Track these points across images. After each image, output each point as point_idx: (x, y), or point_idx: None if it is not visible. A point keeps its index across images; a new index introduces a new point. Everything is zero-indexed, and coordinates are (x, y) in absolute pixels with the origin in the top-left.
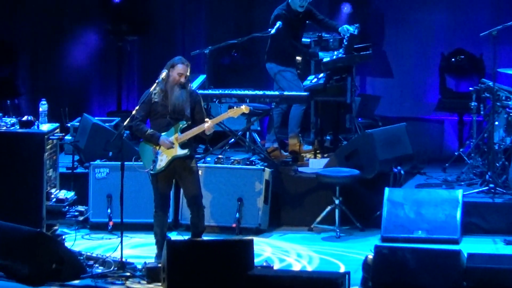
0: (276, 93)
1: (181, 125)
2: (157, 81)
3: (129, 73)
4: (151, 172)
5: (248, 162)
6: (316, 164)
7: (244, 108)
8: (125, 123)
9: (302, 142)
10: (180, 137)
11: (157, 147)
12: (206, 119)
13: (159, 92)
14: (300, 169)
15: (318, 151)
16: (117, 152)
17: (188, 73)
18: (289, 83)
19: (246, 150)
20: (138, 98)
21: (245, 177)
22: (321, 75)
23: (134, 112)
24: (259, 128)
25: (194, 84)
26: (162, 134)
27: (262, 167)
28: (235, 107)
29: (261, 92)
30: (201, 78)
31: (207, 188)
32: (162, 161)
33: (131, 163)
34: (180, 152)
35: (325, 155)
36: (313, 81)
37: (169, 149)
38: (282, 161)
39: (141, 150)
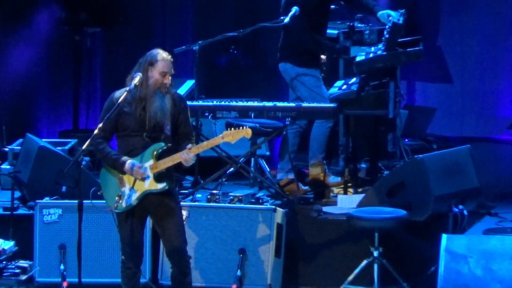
0: (292, 105)
1: (158, 149)
2: (127, 88)
3: (90, 78)
4: (115, 211)
5: (253, 200)
6: (347, 202)
7: (245, 132)
8: (84, 146)
9: (327, 172)
10: (158, 165)
11: (124, 177)
12: (189, 146)
13: (132, 102)
14: (325, 209)
15: (349, 184)
16: (73, 187)
17: (172, 71)
18: (310, 91)
19: (251, 183)
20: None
21: (249, 221)
22: (353, 80)
23: (96, 130)
24: (268, 153)
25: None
26: (131, 159)
27: (273, 207)
28: (233, 129)
29: (271, 104)
30: (188, 84)
31: (197, 235)
32: (131, 196)
33: (94, 201)
34: (156, 186)
35: (360, 190)
36: (343, 88)
37: (140, 181)
38: (300, 197)
39: (102, 179)
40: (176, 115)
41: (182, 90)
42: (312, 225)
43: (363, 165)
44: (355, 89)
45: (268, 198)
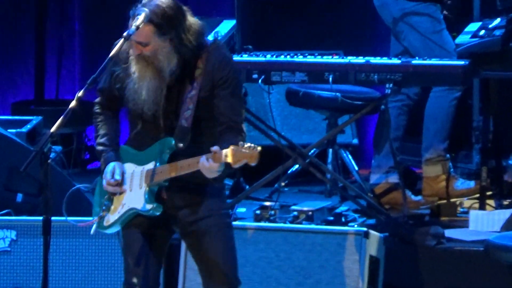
0: (396, 61)
1: (166, 149)
2: (110, 55)
3: (63, 24)
4: (94, 227)
5: (331, 218)
6: (484, 221)
7: (249, 155)
8: (54, 127)
9: (453, 173)
10: (156, 174)
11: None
12: (214, 148)
13: (125, 78)
14: (448, 232)
15: (489, 193)
16: (34, 194)
17: (146, 39)
18: (425, 40)
19: (327, 191)
20: (81, 73)
21: (325, 252)
22: (497, 21)
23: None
24: (355, 141)
25: None
26: (115, 161)
27: (363, 229)
28: (244, 146)
29: (360, 60)
30: (225, 27)
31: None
32: (116, 211)
33: (72, 218)
34: (144, 204)
35: (506, 202)
36: (480, 34)
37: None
38: (408, 215)
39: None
40: (207, 91)
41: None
42: (429, 258)
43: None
44: (500, 36)
45: (356, 215)
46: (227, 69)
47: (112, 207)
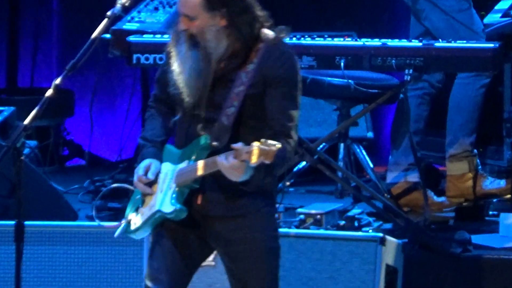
0: (416, 44)
1: (200, 148)
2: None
3: (40, 5)
4: (118, 231)
5: (342, 222)
6: None
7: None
8: (28, 119)
9: (481, 170)
10: (185, 174)
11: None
12: (237, 145)
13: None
14: (476, 238)
15: None
16: (7, 194)
17: (193, 12)
18: (449, 20)
19: (338, 191)
20: (59, 58)
21: (336, 260)
22: None
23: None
24: (371, 135)
25: None
26: (152, 158)
27: (379, 235)
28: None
29: (376, 43)
30: None
31: None
32: (143, 213)
33: (54, 223)
34: (167, 207)
35: None
36: None
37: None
38: (430, 218)
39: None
40: (257, 89)
41: None
42: (454, 268)
43: None
44: None
45: (371, 219)
46: (285, 67)
47: (140, 209)
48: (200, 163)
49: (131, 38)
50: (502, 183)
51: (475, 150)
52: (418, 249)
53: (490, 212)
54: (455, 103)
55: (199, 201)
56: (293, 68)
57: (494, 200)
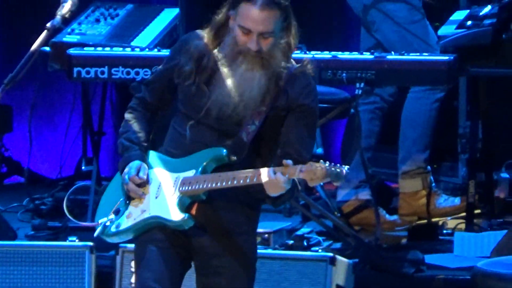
0: (368, 57)
1: (214, 158)
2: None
3: None
4: (96, 233)
5: (290, 242)
6: (471, 245)
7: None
8: None
9: (435, 188)
10: (193, 183)
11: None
12: (288, 162)
13: (202, 64)
14: (429, 258)
15: (477, 211)
16: None
17: (272, 26)
18: (401, 32)
19: (287, 210)
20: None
21: (283, 279)
22: (487, 9)
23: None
24: (320, 151)
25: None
26: (142, 164)
27: (329, 255)
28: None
29: (326, 56)
30: (167, 16)
31: None
32: (131, 217)
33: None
34: (175, 215)
35: (498, 221)
36: (467, 25)
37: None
38: (382, 237)
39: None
40: (279, 112)
41: (157, 26)
42: None
43: (505, 175)
44: (491, 26)
45: (321, 238)
46: (310, 99)
47: (127, 212)
48: (225, 175)
49: (72, 51)
50: (457, 201)
51: (429, 167)
52: (370, 269)
53: (444, 231)
54: (408, 117)
55: (194, 211)
56: (317, 99)
57: (448, 218)
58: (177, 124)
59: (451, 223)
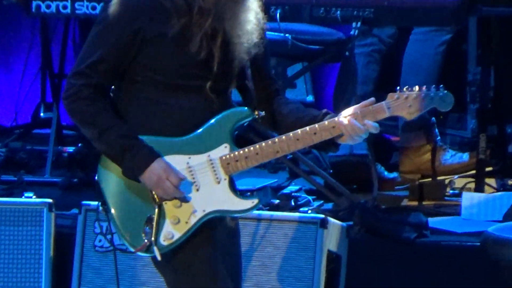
0: None
1: (238, 119)
2: None
3: None
4: (145, 253)
5: (276, 201)
6: (482, 207)
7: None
8: None
9: (439, 142)
10: (241, 160)
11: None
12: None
13: (182, 14)
14: (433, 222)
15: (488, 169)
16: None
17: None
18: None
19: (271, 165)
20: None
21: (268, 244)
22: None
23: (76, 68)
24: (310, 98)
25: None
26: (159, 155)
27: (320, 216)
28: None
29: None
30: None
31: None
32: (181, 223)
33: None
34: (239, 203)
35: (511, 182)
36: None
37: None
38: (380, 197)
39: (109, 189)
40: (261, 50)
41: None
42: (407, 256)
43: None
44: None
45: (310, 198)
46: None
47: (168, 221)
48: (302, 133)
49: None
50: (465, 157)
51: (433, 118)
52: (365, 234)
53: (451, 191)
54: (410, 62)
55: None
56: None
57: (455, 176)
58: (155, 95)
59: (458, 182)
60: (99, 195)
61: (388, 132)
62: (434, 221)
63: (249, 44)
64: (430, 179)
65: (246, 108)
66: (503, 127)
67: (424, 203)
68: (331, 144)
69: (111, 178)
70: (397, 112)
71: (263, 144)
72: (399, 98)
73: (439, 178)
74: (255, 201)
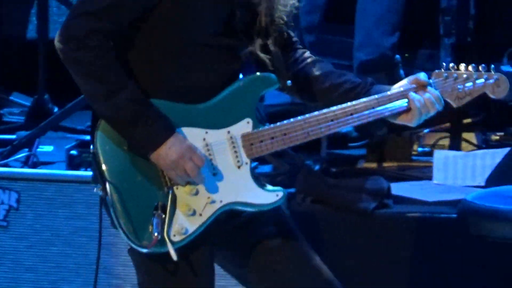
0: None
1: (262, 92)
2: None
3: None
4: (150, 250)
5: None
6: (459, 169)
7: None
8: None
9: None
10: (267, 141)
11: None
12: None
13: None
14: (396, 187)
15: (467, 120)
16: None
17: None
18: None
19: None
20: None
21: None
22: None
23: (84, 15)
24: None
25: None
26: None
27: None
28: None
29: None
30: None
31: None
32: (194, 213)
33: None
34: (267, 194)
35: (495, 138)
36: None
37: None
38: (331, 158)
39: (107, 158)
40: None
41: None
42: (364, 231)
43: (507, 68)
44: None
45: None
46: None
47: (180, 212)
48: (354, 105)
49: None
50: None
51: (398, 56)
52: (311, 204)
53: (420, 149)
54: (363, 8)
55: None
56: None
57: (425, 130)
58: (170, 52)
59: (429, 137)
60: (96, 171)
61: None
62: (398, 187)
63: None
64: (393, 134)
65: (272, 74)
66: (487, 67)
67: (385, 164)
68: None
69: (114, 151)
70: (444, 95)
71: (293, 121)
72: (448, 78)
73: (404, 132)
74: (280, 194)
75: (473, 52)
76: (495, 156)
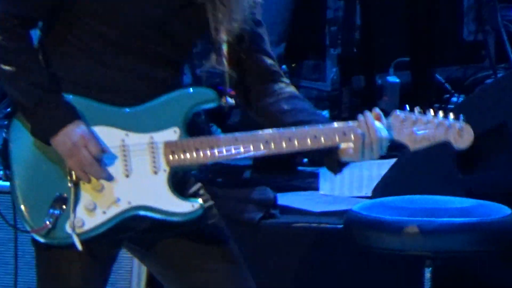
0: None
1: (197, 106)
2: None
3: None
4: (43, 239)
5: None
6: (346, 179)
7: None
8: None
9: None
10: (189, 152)
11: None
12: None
13: None
14: (285, 198)
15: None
16: None
17: None
18: None
19: None
20: None
21: None
22: None
23: None
24: None
25: None
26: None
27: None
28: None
29: None
30: None
31: None
32: (95, 208)
33: None
34: (180, 203)
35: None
36: None
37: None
38: (213, 168)
39: (16, 144)
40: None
41: None
42: (251, 242)
43: (393, 79)
44: None
45: None
46: None
47: (84, 202)
48: (325, 132)
49: None
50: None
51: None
52: None
53: (305, 160)
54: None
55: (203, 197)
56: None
57: None
58: (96, 46)
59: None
60: (4, 156)
61: (223, 84)
62: (284, 198)
63: (233, 17)
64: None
65: (212, 90)
66: (372, 78)
67: (272, 174)
68: (332, 159)
69: (23, 138)
70: (400, 137)
71: (224, 137)
72: (406, 121)
73: None
74: (196, 204)
75: (358, 63)
76: (381, 166)
